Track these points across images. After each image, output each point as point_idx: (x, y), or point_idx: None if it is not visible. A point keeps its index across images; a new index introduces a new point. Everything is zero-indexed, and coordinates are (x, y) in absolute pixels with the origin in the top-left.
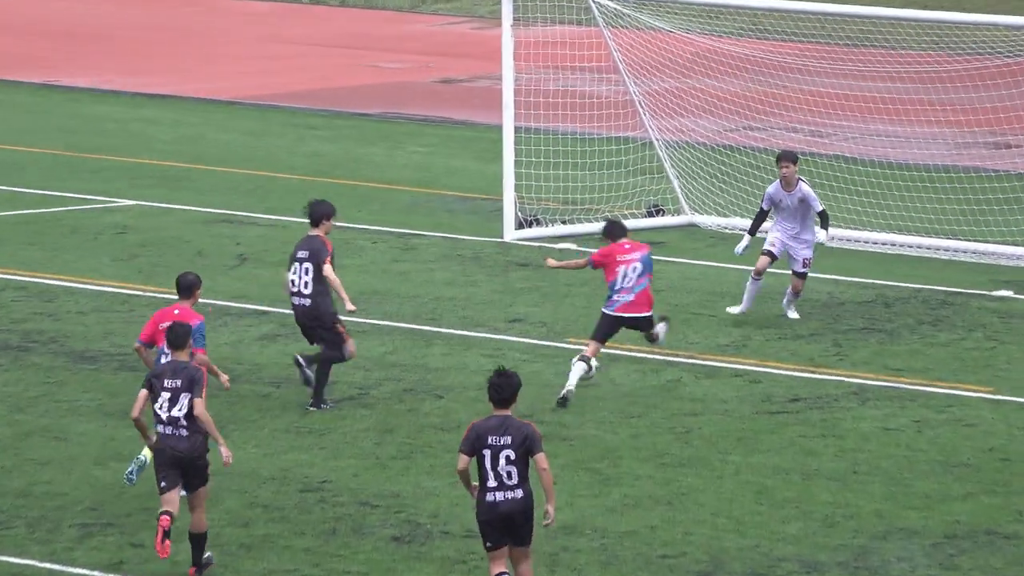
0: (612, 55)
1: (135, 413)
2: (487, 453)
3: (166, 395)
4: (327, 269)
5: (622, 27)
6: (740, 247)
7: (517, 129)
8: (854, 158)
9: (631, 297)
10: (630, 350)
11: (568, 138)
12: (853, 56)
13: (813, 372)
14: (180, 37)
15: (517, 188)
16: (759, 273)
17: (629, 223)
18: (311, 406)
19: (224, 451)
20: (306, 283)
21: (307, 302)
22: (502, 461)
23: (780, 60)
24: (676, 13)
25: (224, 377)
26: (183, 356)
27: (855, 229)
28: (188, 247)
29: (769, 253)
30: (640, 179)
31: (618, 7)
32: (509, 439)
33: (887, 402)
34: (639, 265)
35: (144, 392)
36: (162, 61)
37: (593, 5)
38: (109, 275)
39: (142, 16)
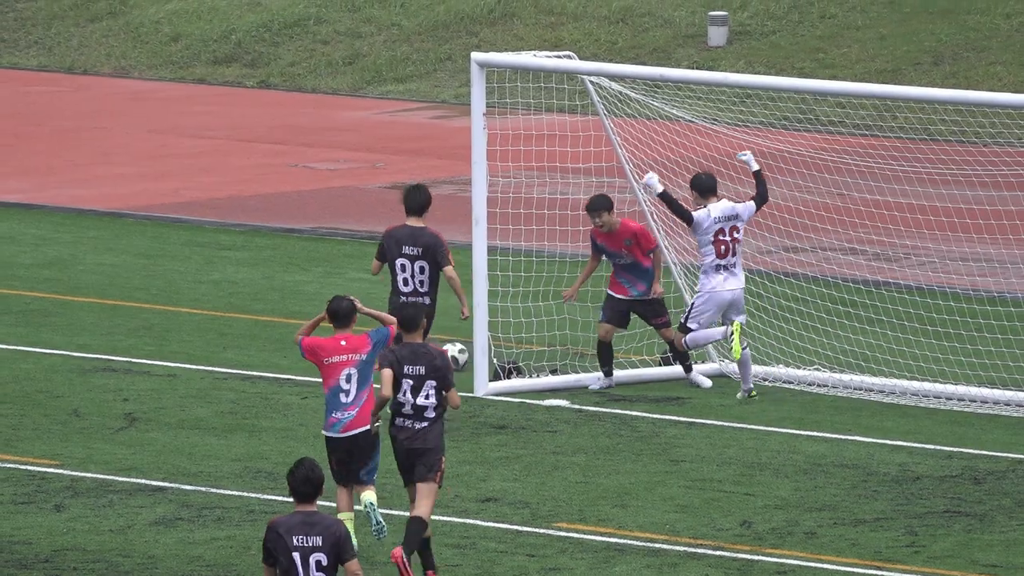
0: (616, 152)
1: (386, 392)
2: None
3: (408, 383)
4: (450, 270)
5: (628, 116)
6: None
7: (492, 250)
8: (932, 288)
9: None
10: (644, 538)
11: (558, 261)
12: (932, 154)
13: (880, 569)
14: (42, 127)
15: (492, 327)
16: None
17: (641, 372)
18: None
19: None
20: (421, 282)
21: (428, 300)
22: None
23: (835, 160)
24: (699, 98)
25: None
26: (416, 338)
27: (933, 381)
28: (59, 403)
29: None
30: None
31: (624, 90)
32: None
33: None
34: None
35: (389, 373)
36: (21, 159)
37: (591, 88)
38: None
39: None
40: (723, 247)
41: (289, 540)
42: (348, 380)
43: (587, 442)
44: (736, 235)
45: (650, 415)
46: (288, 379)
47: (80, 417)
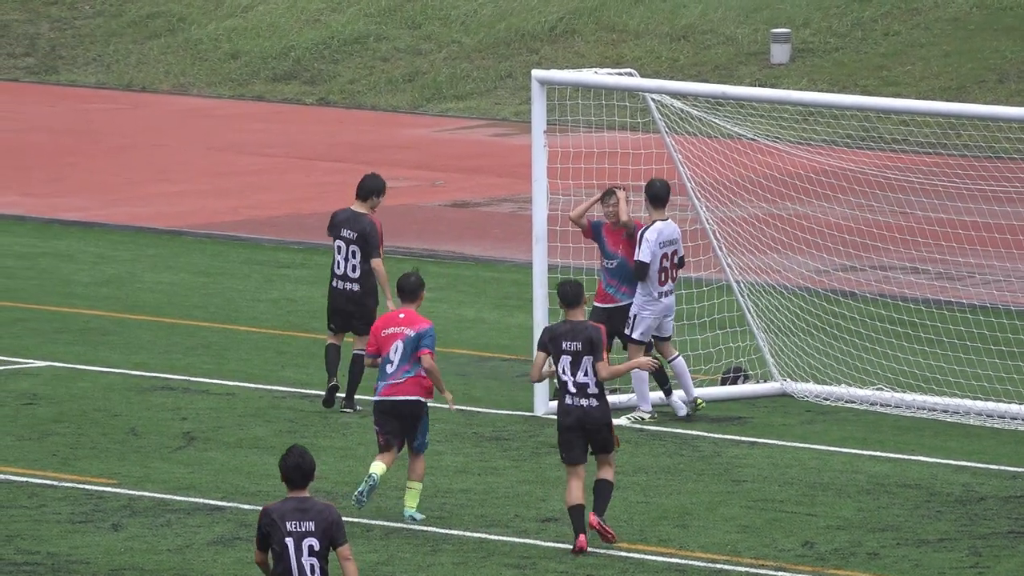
0: (677, 171)
1: (535, 376)
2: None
3: (566, 359)
4: (376, 262)
5: (690, 134)
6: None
7: (552, 268)
8: (995, 307)
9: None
10: (705, 559)
11: None
12: (996, 172)
13: None
14: (101, 144)
15: None
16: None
17: (702, 392)
18: (344, 407)
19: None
20: (354, 267)
21: (354, 287)
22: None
23: (898, 178)
24: (761, 116)
25: (449, 396)
26: (578, 315)
27: (997, 401)
28: (117, 422)
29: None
30: (714, 334)
31: (685, 107)
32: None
33: None
34: None
35: (542, 355)
36: (80, 177)
37: (652, 105)
38: (13, 459)
39: (47, 116)
40: (663, 275)
41: (283, 526)
42: (395, 351)
43: (648, 462)
44: (675, 260)
45: (711, 435)
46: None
47: (138, 436)
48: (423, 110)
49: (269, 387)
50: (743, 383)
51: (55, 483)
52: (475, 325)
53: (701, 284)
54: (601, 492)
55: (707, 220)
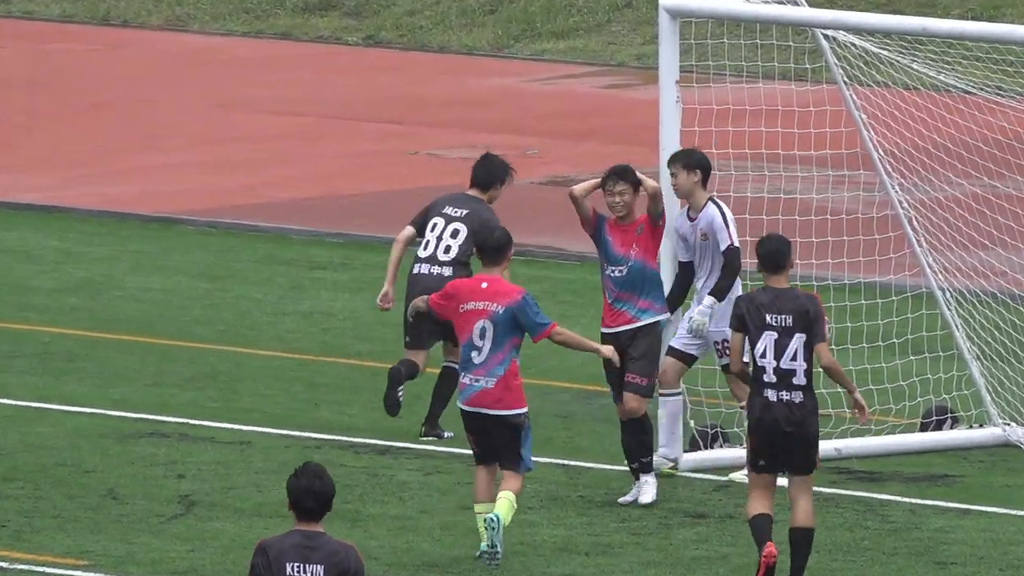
0: (860, 135)
1: (736, 365)
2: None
3: (770, 337)
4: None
5: (879, 85)
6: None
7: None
8: None
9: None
10: None
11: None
12: None
13: None
14: (68, 101)
15: (688, 376)
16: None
17: (892, 442)
18: (426, 434)
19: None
20: (448, 247)
21: (445, 272)
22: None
23: None
24: (977, 59)
25: (606, 351)
26: (782, 282)
27: None
28: (89, 481)
29: (675, 351)
30: (913, 360)
31: (872, 47)
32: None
33: None
34: None
35: (739, 336)
36: (37, 144)
37: (826, 46)
38: None
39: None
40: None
41: (280, 567)
42: (481, 335)
43: (820, 536)
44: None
45: (906, 499)
46: (405, 448)
47: (118, 500)
48: (510, 52)
49: (296, 433)
50: (950, 428)
51: (3, 564)
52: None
53: (891, 291)
54: (799, 546)
55: (900, 203)
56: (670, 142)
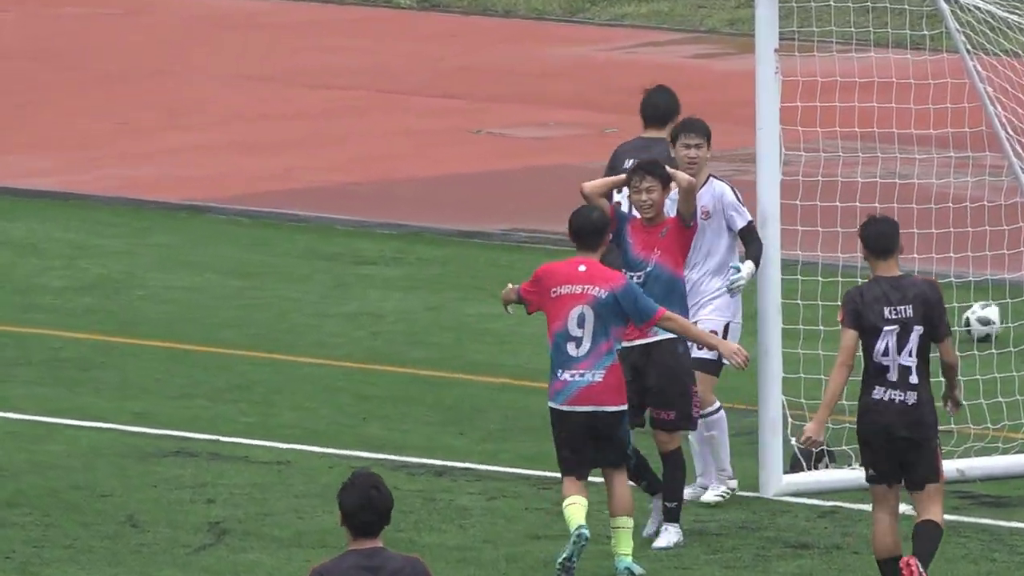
0: (985, 112)
1: (846, 365)
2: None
3: (890, 333)
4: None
5: (1008, 54)
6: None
7: (788, 265)
8: None
9: None
10: None
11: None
12: None
13: None
14: (79, 72)
15: (788, 387)
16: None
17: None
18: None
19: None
20: None
21: None
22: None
23: None
24: None
25: (730, 347)
26: (893, 268)
27: None
28: (105, 507)
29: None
30: None
31: (998, 11)
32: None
33: None
34: None
35: (852, 335)
36: (45, 122)
37: (945, 8)
38: None
39: (12, 28)
40: None
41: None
42: (580, 323)
43: (940, 569)
44: None
45: None
46: (466, 468)
47: (138, 528)
48: (584, 17)
49: (342, 452)
50: None
51: None
52: None
53: (1021, 290)
54: (927, 537)
55: None
56: (768, 120)
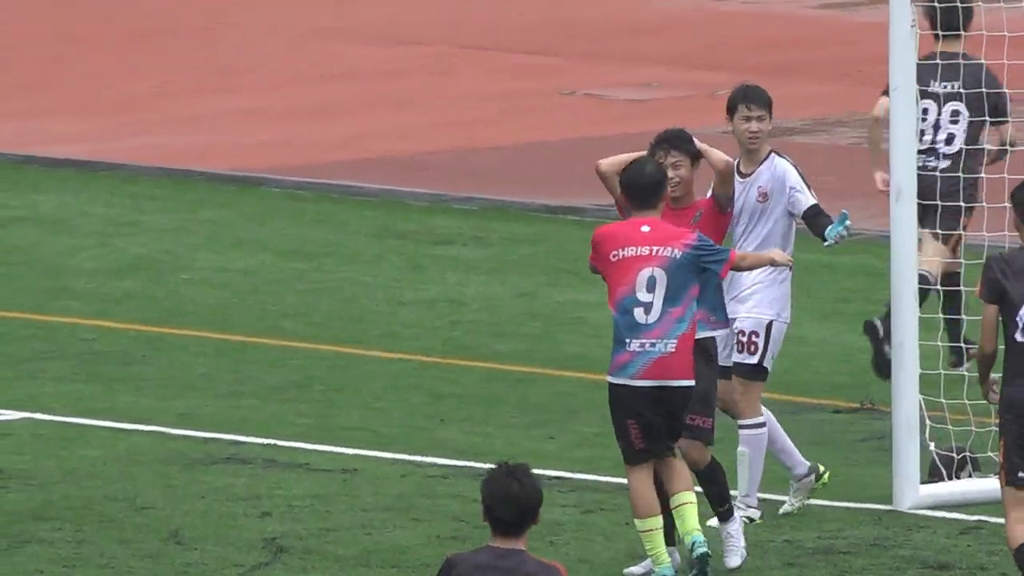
0: None
1: (990, 346)
2: None
3: None
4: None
5: None
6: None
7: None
8: None
9: None
10: None
11: None
12: None
13: None
14: (113, 26)
15: (926, 385)
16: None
17: None
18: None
19: None
20: (951, 136)
21: (945, 165)
22: None
23: None
24: None
25: (778, 255)
26: None
27: None
28: (146, 520)
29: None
30: None
31: None
32: None
33: None
34: None
35: (994, 310)
36: (76, 83)
37: None
38: None
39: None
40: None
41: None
42: (650, 287)
43: None
44: None
45: None
46: (558, 478)
47: (184, 545)
48: None
49: (415, 458)
50: None
51: None
52: (785, 349)
53: None
54: None
55: None
56: (903, 79)
